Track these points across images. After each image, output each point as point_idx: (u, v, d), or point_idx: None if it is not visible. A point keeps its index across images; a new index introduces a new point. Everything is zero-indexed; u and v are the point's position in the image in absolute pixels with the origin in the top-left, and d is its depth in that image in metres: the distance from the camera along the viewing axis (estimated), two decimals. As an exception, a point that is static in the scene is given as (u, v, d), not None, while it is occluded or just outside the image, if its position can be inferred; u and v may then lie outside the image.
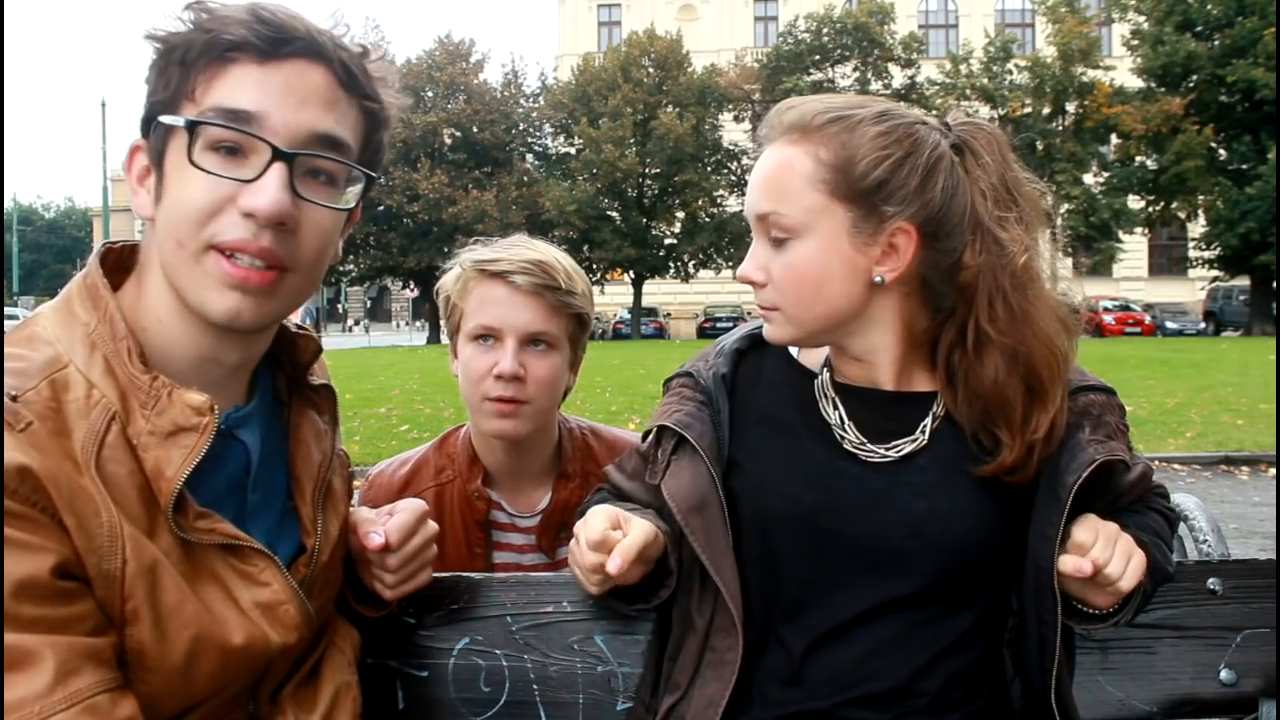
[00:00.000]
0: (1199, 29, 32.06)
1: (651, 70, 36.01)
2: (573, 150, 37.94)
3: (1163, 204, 32.97)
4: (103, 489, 0.93)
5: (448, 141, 36.68)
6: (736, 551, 1.27)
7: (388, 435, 9.94)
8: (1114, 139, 33.49)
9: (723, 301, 39.72)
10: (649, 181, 35.89)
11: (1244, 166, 31.42)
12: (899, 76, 35.94)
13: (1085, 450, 1.21)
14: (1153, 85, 32.65)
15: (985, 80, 33.51)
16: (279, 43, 0.97)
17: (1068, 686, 1.27)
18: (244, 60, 0.96)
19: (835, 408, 1.28)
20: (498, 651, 1.39)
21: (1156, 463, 9.13)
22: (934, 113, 1.34)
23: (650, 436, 1.37)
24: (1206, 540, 1.66)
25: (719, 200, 36.57)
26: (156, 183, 1.00)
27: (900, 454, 1.24)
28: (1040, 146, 32.45)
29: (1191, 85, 32.01)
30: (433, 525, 1.29)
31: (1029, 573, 1.23)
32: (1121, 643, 1.43)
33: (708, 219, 36.04)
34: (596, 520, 1.24)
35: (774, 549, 1.26)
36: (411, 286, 41.52)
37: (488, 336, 1.63)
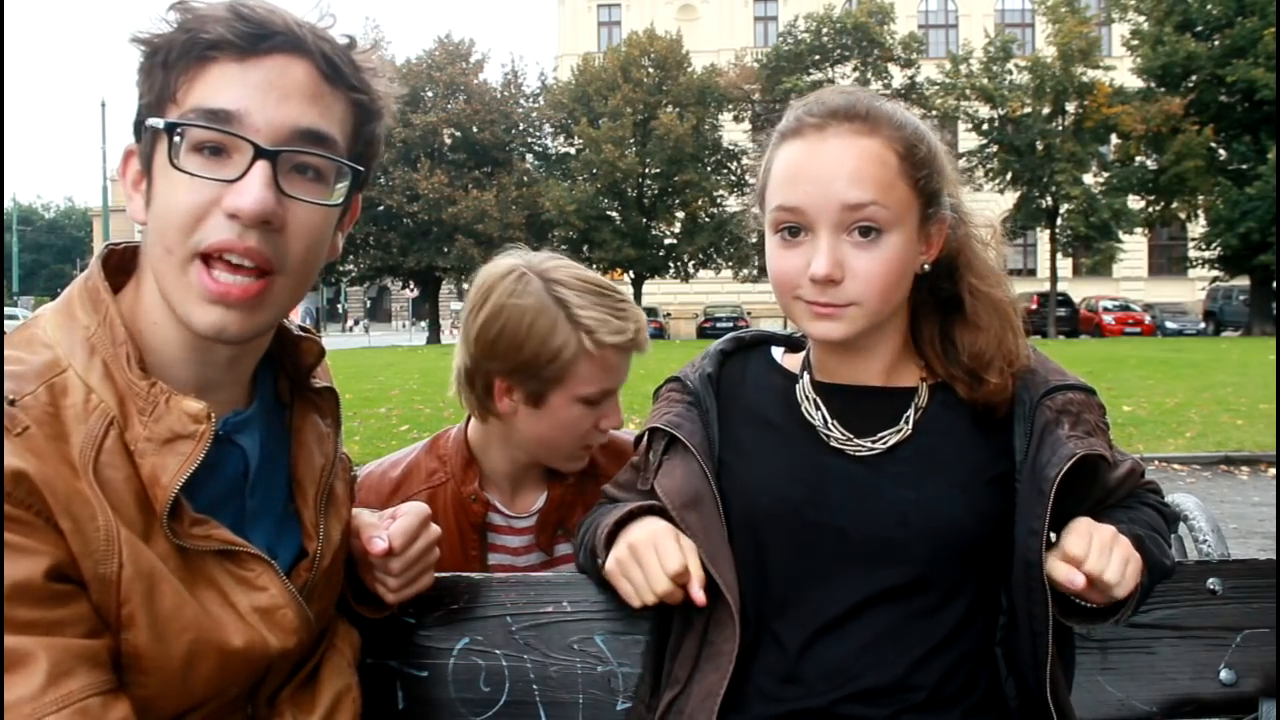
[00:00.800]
0: (1199, 29, 32.04)
1: (651, 70, 36.00)
2: (573, 150, 37.92)
3: (1163, 204, 32.94)
4: (99, 493, 0.93)
5: (448, 141, 36.66)
6: (738, 554, 1.28)
7: (388, 435, 9.93)
8: (1114, 139, 33.46)
9: (723, 301, 39.73)
10: (649, 181, 35.88)
11: (1244, 166, 31.39)
12: (899, 76, 35.92)
13: (1065, 445, 1.23)
14: (1153, 85, 32.63)
15: (985, 80, 33.48)
16: (258, 39, 0.95)
17: (1063, 685, 1.28)
18: (223, 59, 0.95)
19: (818, 408, 1.30)
20: (498, 651, 1.39)
21: (1156, 463, 9.14)
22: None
23: (642, 442, 1.39)
24: (1206, 540, 1.66)
25: (719, 200, 36.54)
26: (147, 187, 1.00)
27: (886, 445, 1.27)
28: (1040, 146, 32.44)
29: (1191, 85, 31.99)
30: (435, 529, 1.29)
31: (1017, 568, 1.24)
32: (1121, 643, 1.43)
33: (708, 219, 36.02)
34: (673, 549, 1.25)
35: (764, 546, 1.28)
36: (411, 286, 41.50)
37: (598, 401, 1.62)
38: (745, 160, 35.87)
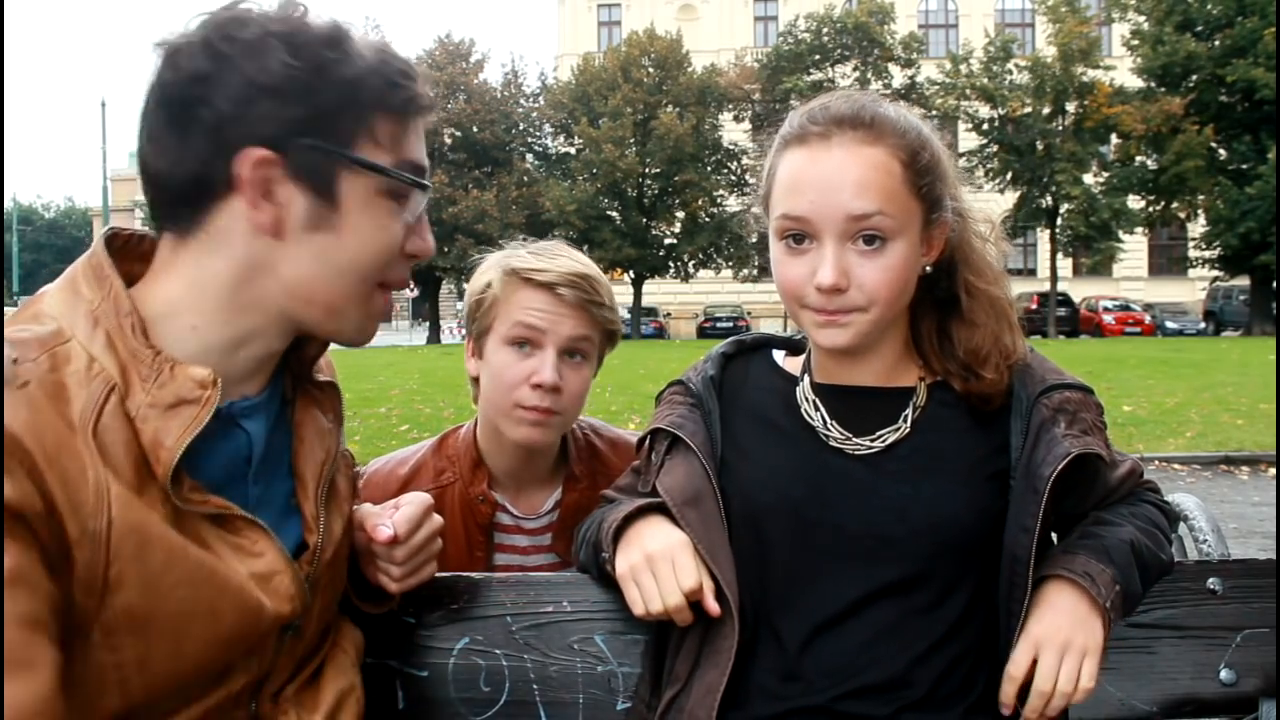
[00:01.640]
0: (1199, 29, 32.03)
1: (651, 70, 36.00)
2: (573, 150, 37.92)
3: (1163, 204, 32.94)
4: (95, 452, 0.94)
5: (448, 141, 36.65)
6: (736, 552, 1.29)
7: (388, 435, 9.94)
8: (1114, 139, 33.45)
9: (723, 301, 39.74)
10: (649, 181, 35.88)
11: (1244, 166, 31.38)
12: (899, 76, 35.92)
13: (1061, 444, 1.24)
14: (1153, 85, 32.62)
15: (985, 80, 33.47)
16: (427, 106, 1.10)
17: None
18: (419, 120, 1.09)
19: (817, 409, 1.31)
20: (498, 651, 1.40)
21: (1156, 463, 9.14)
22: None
23: (645, 444, 1.40)
24: (1206, 540, 1.66)
25: (719, 200, 36.54)
26: (314, 207, 1.03)
27: (884, 444, 1.28)
28: (1040, 146, 32.45)
29: (1191, 85, 31.98)
30: (438, 518, 1.29)
31: (1004, 564, 1.25)
32: (1121, 643, 1.43)
33: (708, 219, 36.02)
34: (690, 565, 1.26)
35: (764, 543, 1.29)
36: (411, 286, 41.38)
37: (525, 343, 1.62)
38: (745, 160, 35.89)
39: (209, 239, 1.03)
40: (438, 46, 37.77)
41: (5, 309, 1.06)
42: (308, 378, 1.18)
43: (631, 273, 36.68)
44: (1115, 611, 1.24)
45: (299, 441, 1.15)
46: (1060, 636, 1.21)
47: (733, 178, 36.91)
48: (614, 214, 35.88)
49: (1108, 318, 33.54)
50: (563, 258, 1.65)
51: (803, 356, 1.38)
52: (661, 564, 1.26)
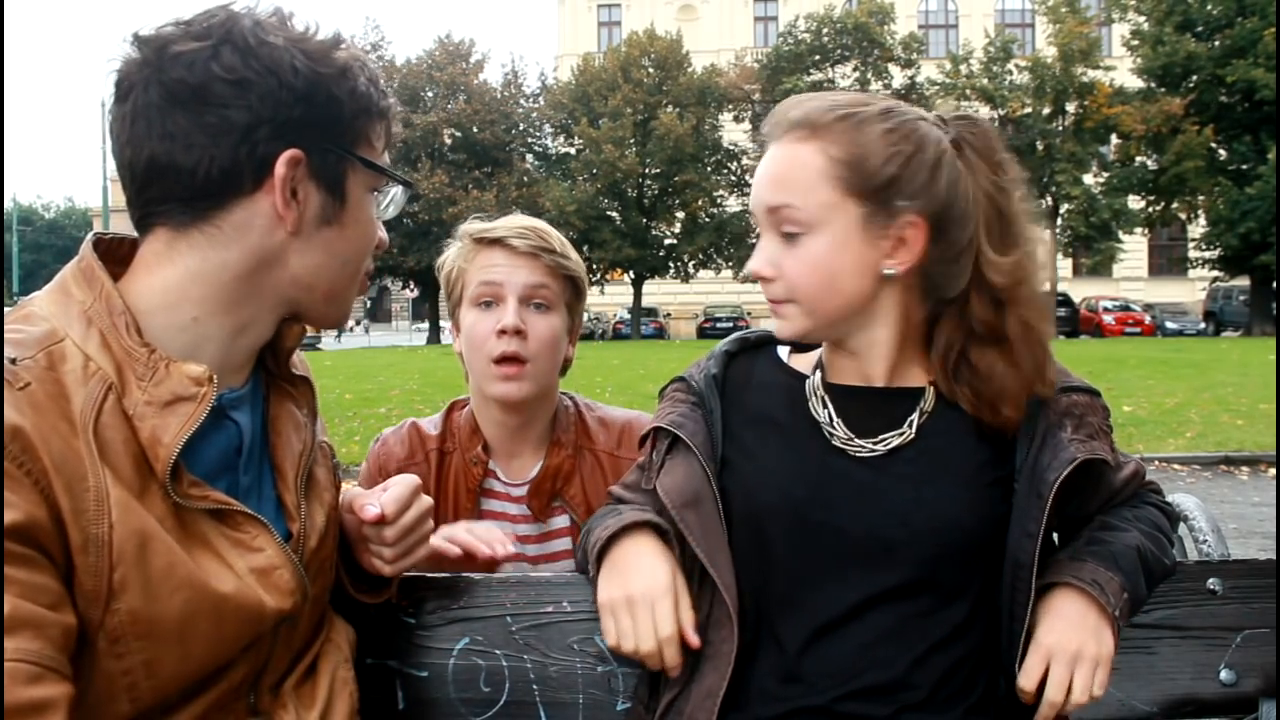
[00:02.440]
0: (1199, 29, 32.06)
1: (651, 70, 36.01)
2: (573, 150, 37.94)
3: (1163, 204, 32.96)
4: (95, 453, 0.94)
5: (448, 141, 36.68)
6: (730, 551, 1.29)
7: (388, 435, 9.90)
8: (1114, 139, 33.48)
9: (723, 302, 39.75)
10: (649, 181, 35.89)
11: (1244, 166, 31.40)
12: (899, 76, 35.94)
13: (1067, 449, 1.23)
14: (1153, 85, 32.64)
15: (985, 80, 33.50)
16: (396, 112, 1.20)
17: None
18: (392, 120, 1.17)
19: (824, 406, 1.30)
20: (498, 651, 1.40)
21: (1156, 463, 9.15)
22: (929, 109, 1.37)
23: (648, 442, 1.39)
24: (1206, 540, 1.66)
25: (719, 200, 36.57)
26: (327, 204, 1.09)
27: (888, 447, 1.27)
28: (1040, 146, 32.46)
29: (1191, 85, 32.00)
30: (427, 499, 1.29)
31: (1007, 568, 1.24)
32: (1121, 643, 1.42)
33: (708, 219, 36.04)
34: (668, 614, 1.26)
35: (765, 544, 1.28)
36: (411, 286, 41.51)
37: (490, 301, 1.71)
38: (745, 160, 35.90)
39: (219, 233, 1.05)
40: (438, 46, 37.81)
41: (5, 309, 1.06)
42: (282, 372, 1.20)
43: (631, 273, 36.69)
44: (1123, 618, 1.24)
45: (275, 434, 1.17)
46: (1072, 647, 1.21)
47: (733, 178, 36.93)
48: (614, 214, 35.89)
49: (1108, 318, 33.56)
50: (512, 218, 1.76)
51: (809, 354, 1.37)
52: (641, 608, 1.26)
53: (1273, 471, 9.06)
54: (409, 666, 1.39)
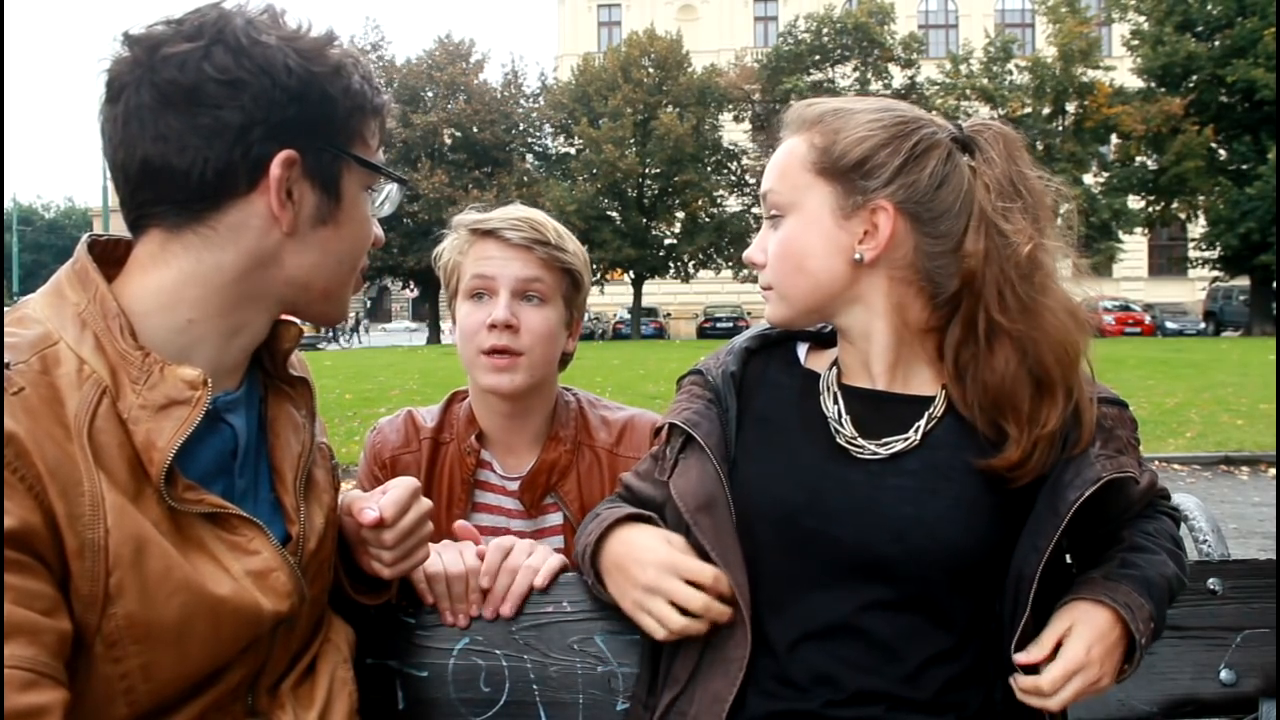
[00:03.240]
0: (1199, 29, 32.05)
1: (651, 70, 36.00)
2: (573, 150, 37.93)
3: (1163, 204, 32.95)
4: (90, 457, 0.94)
5: (448, 141, 36.67)
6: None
7: (388, 435, 9.90)
8: (1114, 139, 33.46)
9: (723, 302, 39.73)
10: (649, 181, 35.88)
11: (1244, 166, 31.39)
12: (899, 76, 35.93)
13: (1093, 466, 1.21)
14: (1153, 85, 32.63)
15: (985, 80, 33.50)
16: (389, 109, 1.19)
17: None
18: (385, 117, 1.16)
19: (835, 402, 1.29)
20: (498, 651, 1.40)
21: (1156, 463, 9.14)
22: (950, 116, 1.38)
23: (662, 434, 1.39)
24: (1206, 540, 1.66)
25: (719, 200, 36.56)
26: (322, 204, 1.09)
27: (891, 451, 1.25)
28: (1040, 146, 32.41)
29: (1191, 85, 31.99)
30: (426, 502, 1.29)
31: (1010, 581, 1.22)
32: (1121, 643, 1.43)
33: (708, 219, 36.02)
34: (687, 591, 1.25)
35: (759, 546, 1.28)
36: (411, 286, 41.51)
37: (482, 293, 1.69)
38: (745, 160, 35.89)
39: (214, 234, 1.04)
40: (438, 47, 37.80)
41: (5, 309, 1.06)
42: (280, 373, 1.19)
43: (631, 273, 36.68)
44: (1145, 646, 1.21)
45: (274, 436, 1.16)
46: (1095, 669, 1.19)
47: (733, 178, 36.92)
48: (614, 214, 35.88)
49: (1108, 318, 33.47)
50: (508, 208, 1.74)
51: (830, 352, 1.36)
52: (657, 598, 1.26)
53: (1273, 471, 9.06)
54: (409, 666, 1.39)
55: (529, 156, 39.16)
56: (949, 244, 1.24)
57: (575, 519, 1.69)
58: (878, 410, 1.27)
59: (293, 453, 1.16)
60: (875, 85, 35.62)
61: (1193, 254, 35.28)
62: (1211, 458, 9.71)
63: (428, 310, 41.79)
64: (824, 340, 1.40)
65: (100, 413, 0.97)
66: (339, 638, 1.25)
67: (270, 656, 1.11)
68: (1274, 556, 1.51)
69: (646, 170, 35.35)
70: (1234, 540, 6.32)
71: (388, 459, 1.74)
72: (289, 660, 1.16)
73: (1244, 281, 33.51)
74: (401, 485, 1.26)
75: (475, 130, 35.94)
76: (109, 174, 1.08)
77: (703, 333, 36.99)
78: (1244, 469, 9.43)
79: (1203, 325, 35.62)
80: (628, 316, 38.57)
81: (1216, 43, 31.62)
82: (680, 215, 36.36)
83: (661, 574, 1.26)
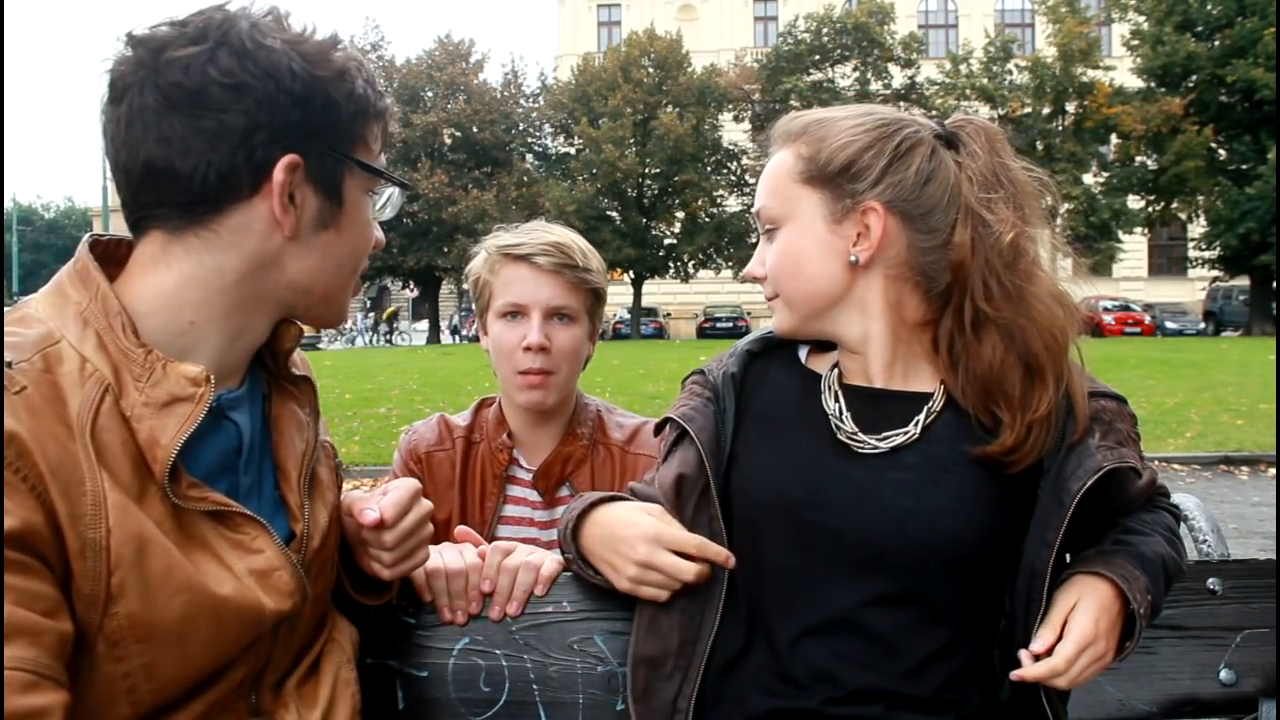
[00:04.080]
0: (1199, 29, 32.05)
1: (651, 70, 36.00)
2: (573, 150, 37.94)
3: (1163, 204, 32.96)
4: (92, 456, 0.94)
5: (448, 141, 36.68)
6: (729, 547, 1.30)
7: (388, 435, 9.95)
8: (1114, 139, 33.48)
9: (722, 301, 39.74)
10: (649, 181, 35.88)
11: (1244, 166, 31.39)
12: (899, 76, 35.94)
13: (1093, 457, 1.21)
14: (1153, 85, 32.64)
15: (985, 80, 33.50)
16: (393, 112, 1.19)
17: (1058, 690, 1.26)
18: (388, 121, 1.17)
19: (836, 400, 1.30)
20: (498, 651, 1.40)
21: (1156, 463, 9.14)
22: (934, 114, 1.39)
23: (661, 431, 1.42)
24: (1206, 540, 1.67)
25: (719, 200, 36.56)
26: (324, 208, 1.09)
27: (891, 445, 1.26)
28: (1040, 146, 32.43)
29: (1191, 85, 32.00)
30: (427, 503, 1.29)
31: (1022, 575, 1.23)
32: (1121, 643, 1.43)
33: (708, 219, 36.03)
34: (674, 560, 1.29)
35: (760, 541, 1.29)
36: (411, 286, 41.51)
37: (515, 314, 1.80)
38: (745, 160, 35.90)
39: (216, 237, 1.04)
40: (438, 47, 37.80)
41: (5, 309, 1.06)
42: (283, 372, 1.19)
43: (631, 273, 36.68)
44: (1145, 620, 1.22)
45: (278, 434, 1.16)
46: (1103, 643, 1.20)
47: (733, 178, 36.93)
48: (614, 214, 35.88)
49: (1108, 318, 33.49)
50: (539, 232, 1.84)
51: (832, 354, 1.37)
52: (651, 573, 1.30)
53: (1273, 471, 9.07)
54: (409, 666, 1.39)
55: (529, 156, 39.18)
56: (940, 238, 1.25)
57: None
58: (878, 407, 1.28)
59: (297, 450, 1.17)
60: (875, 85, 35.65)
61: (1193, 254, 35.27)
62: (1211, 458, 9.71)
63: (428, 310, 41.78)
64: (825, 343, 1.40)
65: (103, 411, 0.97)
66: (343, 637, 1.25)
67: (273, 655, 1.11)
68: (1274, 556, 1.51)
69: (646, 170, 35.35)
70: (1234, 540, 6.32)
71: (423, 454, 1.88)
72: (292, 659, 1.16)
73: (1244, 281, 33.51)
74: (402, 486, 1.27)
75: (475, 130, 35.95)
76: (111, 174, 1.08)
77: (702, 333, 36.99)
78: (1244, 469, 9.44)
79: (1203, 325, 35.62)
80: (628, 316, 38.57)
81: (1216, 43, 31.62)
82: (680, 215, 36.36)
83: (651, 549, 1.29)
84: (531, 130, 39.28)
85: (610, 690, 1.39)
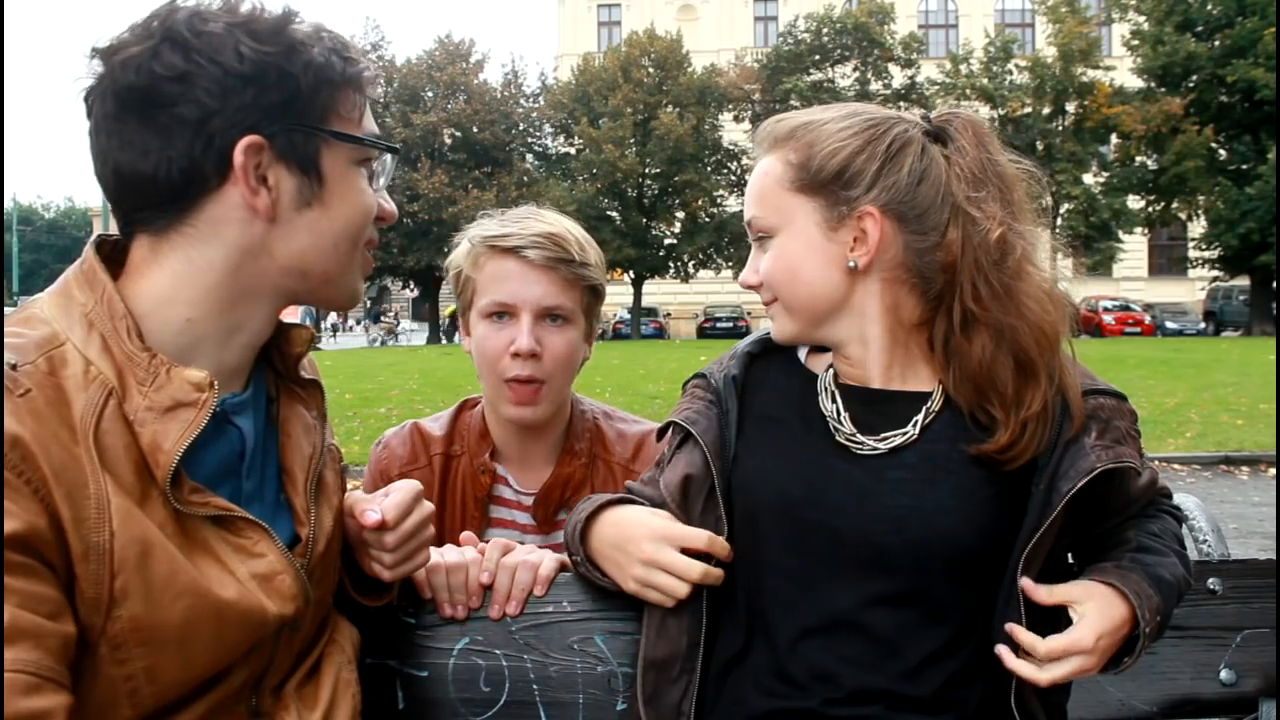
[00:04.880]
0: (1199, 29, 32.06)
1: (651, 70, 36.01)
2: (573, 150, 37.95)
3: (1163, 204, 32.97)
4: (95, 460, 0.94)
5: (448, 141, 36.68)
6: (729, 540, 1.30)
7: (388, 435, 9.90)
8: (1114, 139, 33.48)
9: (722, 301, 39.73)
10: (649, 181, 35.88)
11: (1244, 166, 31.41)
12: (899, 76, 35.94)
13: (1087, 457, 1.21)
14: (1153, 85, 32.65)
15: (985, 80, 33.51)
16: (372, 78, 1.14)
17: (1053, 689, 1.25)
18: (368, 89, 1.12)
19: (833, 401, 1.30)
20: (498, 651, 1.40)
21: (1156, 463, 9.14)
22: (917, 110, 1.38)
23: (665, 436, 1.41)
24: (1206, 540, 1.66)
25: (719, 200, 36.56)
26: (303, 185, 1.06)
27: (890, 446, 1.26)
28: (1040, 146, 32.44)
29: (1191, 85, 32.01)
30: (428, 505, 1.29)
31: (1008, 572, 1.22)
32: (1121, 643, 1.43)
33: (708, 219, 36.03)
34: (677, 558, 1.28)
35: (761, 540, 1.29)
36: (411, 286, 41.53)
37: (502, 314, 1.61)
38: (745, 160, 35.87)
39: (196, 232, 1.04)
40: (438, 47, 37.80)
41: (5, 309, 1.06)
42: (292, 376, 1.19)
43: (631, 273, 36.68)
44: (1148, 640, 1.21)
45: (285, 437, 1.16)
46: (1094, 660, 1.19)
47: (733, 178, 36.91)
48: (614, 214, 35.88)
49: (1108, 318, 33.51)
50: (530, 220, 1.62)
51: (829, 354, 1.36)
52: (656, 571, 1.29)
53: (1273, 471, 9.07)
54: (409, 666, 1.39)
55: (529, 156, 39.17)
56: (935, 238, 1.25)
57: None
58: (877, 408, 1.28)
59: (304, 454, 1.16)
60: (875, 85, 35.64)
61: (1193, 254, 35.29)
62: (1211, 458, 9.71)
63: (428, 310, 41.77)
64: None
65: (106, 414, 0.97)
66: (344, 639, 1.25)
67: (275, 658, 1.11)
68: (1274, 556, 1.51)
69: (646, 170, 35.36)
70: (1234, 540, 6.32)
71: (395, 475, 1.65)
72: (293, 661, 1.16)
73: (1244, 281, 33.51)
74: (404, 488, 1.26)
75: (475, 130, 35.95)
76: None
77: (703, 333, 36.99)
78: (1244, 469, 9.44)
79: (1203, 325, 35.63)
80: (628, 316, 38.57)
81: (1216, 43, 31.63)
82: (680, 215, 36.37)
83: (658, 546, 1.28)
84: (532, 130, 39.28)
85: (610, 690, 1.39)
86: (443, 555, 1.41)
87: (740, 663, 1.29)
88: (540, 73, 46.69)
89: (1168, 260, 44.18)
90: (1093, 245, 33.19)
